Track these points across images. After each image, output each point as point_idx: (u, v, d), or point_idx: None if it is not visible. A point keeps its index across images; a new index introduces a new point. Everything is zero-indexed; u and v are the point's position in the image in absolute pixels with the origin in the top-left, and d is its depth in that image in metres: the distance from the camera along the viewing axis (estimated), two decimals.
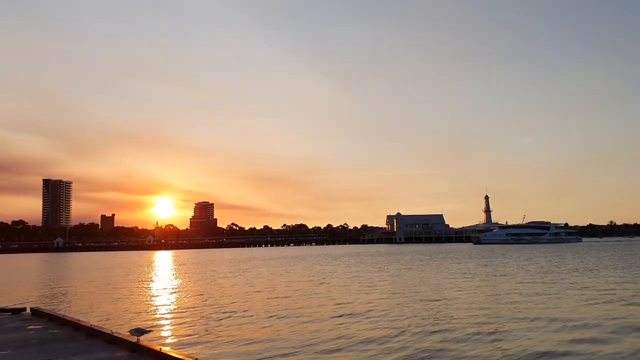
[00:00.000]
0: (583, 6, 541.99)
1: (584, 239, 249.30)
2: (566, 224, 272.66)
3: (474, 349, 18.25)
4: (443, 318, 24.73)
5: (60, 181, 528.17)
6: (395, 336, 20.73)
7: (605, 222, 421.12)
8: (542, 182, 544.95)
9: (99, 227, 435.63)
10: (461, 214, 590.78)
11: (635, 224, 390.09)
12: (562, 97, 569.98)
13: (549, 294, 33.35)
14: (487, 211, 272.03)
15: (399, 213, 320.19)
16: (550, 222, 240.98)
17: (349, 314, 26.76)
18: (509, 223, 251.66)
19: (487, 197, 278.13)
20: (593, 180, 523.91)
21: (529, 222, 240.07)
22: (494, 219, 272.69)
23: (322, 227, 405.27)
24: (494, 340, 19.49)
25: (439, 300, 31.78)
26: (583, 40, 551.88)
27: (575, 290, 35.32)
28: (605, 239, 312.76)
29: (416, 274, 55.12)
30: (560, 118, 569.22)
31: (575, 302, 29.68)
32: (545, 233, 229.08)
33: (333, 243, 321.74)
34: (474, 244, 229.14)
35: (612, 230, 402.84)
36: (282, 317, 26.46)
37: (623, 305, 27.89)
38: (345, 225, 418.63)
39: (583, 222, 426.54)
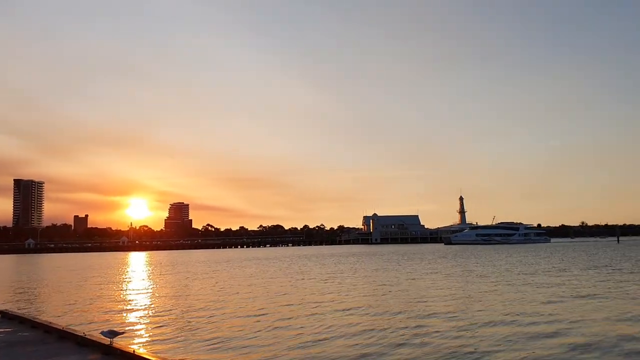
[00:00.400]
0: (560, 9, 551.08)
1: (554, 240, 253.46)
2: (539, 225, 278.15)
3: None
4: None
5: (32, 181, 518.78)
6: (365, 332, 20.89)
7: (577, 223, 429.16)
8: (516, 184, 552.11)
9: (72, 228, 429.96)
10: (437, 215, 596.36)
11: (606, 225, 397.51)
12: (537, 100, 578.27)
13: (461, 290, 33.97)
14: (462, 212, 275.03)
15: (375, 214, 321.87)
16: (520, 223, 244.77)
17: (320, 314, 26.82)
18: (484, 224, 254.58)
19: (461, 198, 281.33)
20: (566, 181, 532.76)
21: (498, 223, 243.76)
22: (468, 220, 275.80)
23: (299, 228, 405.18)
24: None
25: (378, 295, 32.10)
26: (558, 44, 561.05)
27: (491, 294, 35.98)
28: (576, 239, 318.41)
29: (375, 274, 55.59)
30: (534, 120, 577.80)
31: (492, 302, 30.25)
32: (515, 234, 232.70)
33: (309, 244, 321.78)
34: (445, 244, 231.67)
35: (584, 231, 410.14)
36: (256, 317, 26.38)
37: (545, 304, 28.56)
38: (322, 226, 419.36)
39: (555, 222, 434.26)
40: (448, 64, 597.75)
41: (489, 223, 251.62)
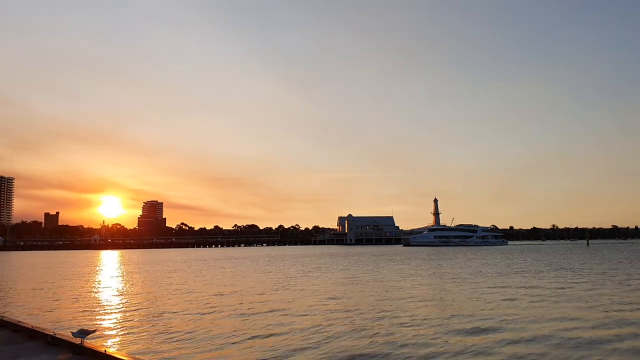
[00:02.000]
0: (530, 15, 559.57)
1: (525, 242, 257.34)
2: (494, 227, 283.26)
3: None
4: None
5: (1, 177, 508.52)
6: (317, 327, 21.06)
7: (548, 226, 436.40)
8: (489, 186, 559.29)
9: (42, 225, 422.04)
10: (411, 216, 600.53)
11: (577, 228, 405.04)
12: (508, 104, 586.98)
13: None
14: (436, 213, 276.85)
15: (350, 214, 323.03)
16: (477, 226, 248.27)
17: (285, 312, 26.89)
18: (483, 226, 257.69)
19: (436, 200, 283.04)
20: (538, 185, 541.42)
21: (457, 225, 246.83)
22: (442, 221, 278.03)
23: (274, 228, 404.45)
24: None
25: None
26: (530, 49, 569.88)
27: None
28: (547, 242, 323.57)
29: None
30: (507, 124, 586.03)
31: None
32: (472, 236, 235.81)
33: (284, 244, 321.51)
34: (404, 245, 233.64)
35: (555, 234, 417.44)
36: (226, 315, 26.42)
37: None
38: (297, 226, 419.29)
39: (527, 225, 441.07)
40: (420, 67, 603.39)
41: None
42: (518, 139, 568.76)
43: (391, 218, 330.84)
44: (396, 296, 35.28)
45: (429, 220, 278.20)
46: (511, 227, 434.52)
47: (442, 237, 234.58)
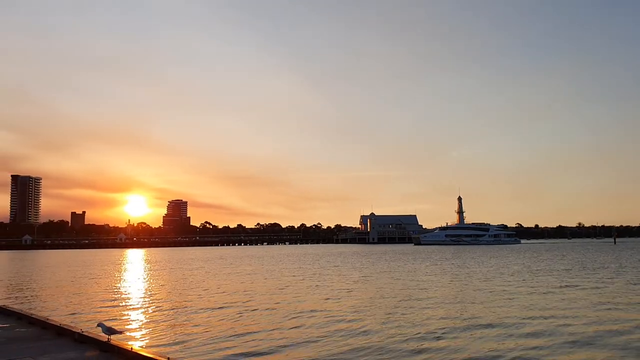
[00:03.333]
0: (545, 13, 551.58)
1: (551, 241, 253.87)
2: (504, 226, 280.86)
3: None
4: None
5: (29, 177, 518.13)
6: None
7: (574, 224, 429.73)
8: (514, 184, 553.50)
9: (69, 224, 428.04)
10: (435, 215, 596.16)
11: (603, 226, 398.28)
12: (534, 99, 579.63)
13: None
14: (460, 212, 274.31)
15: (372, 213, 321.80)
16: (489, 224, 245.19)
17: (310, 312, 26.86)
18: (495, 224, 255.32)
19: (460, 199, 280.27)
20: (564, 182, 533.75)
21: (469, 224, 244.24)
22: (467, 220, 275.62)
23: (296, 227, 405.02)
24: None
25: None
26: (552, 44, 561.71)
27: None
28: (573, 240, 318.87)
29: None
30: (532, 120, 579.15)
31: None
32: (485, 235, 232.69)
33: (306, 242, 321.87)
34: (415, 244, 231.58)
35: (581, 232, 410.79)
36: (252, 314, 26.49)
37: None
38: (319, 225, 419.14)
39: (553, 223, 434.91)
40: (442, 64, 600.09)
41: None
42: (544, 135, 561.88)
43: (414, 217, 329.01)
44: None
45: (453, 219, 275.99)
46: (536, 225, 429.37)
47: (453, 236, 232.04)
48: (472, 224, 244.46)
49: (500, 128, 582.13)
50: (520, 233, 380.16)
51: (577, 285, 39.89)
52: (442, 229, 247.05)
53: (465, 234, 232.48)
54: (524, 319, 24.52)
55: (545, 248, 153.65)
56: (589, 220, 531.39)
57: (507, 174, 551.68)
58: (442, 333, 21.32)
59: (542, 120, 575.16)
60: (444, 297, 33.78)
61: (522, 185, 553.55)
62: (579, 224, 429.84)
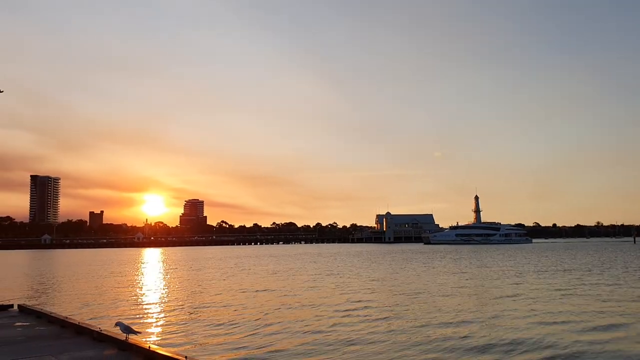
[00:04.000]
0: (565, 11, 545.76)
1: (569, 240, 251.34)
2: (515, 224, 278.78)
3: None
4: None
5: (48, 177, 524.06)
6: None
7: (592, 223, 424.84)
8: (532, 183, 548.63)
9: (87, 224, 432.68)
10: (452, 214, 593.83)
11: (622, 225, 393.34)
12: (551, 98, 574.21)
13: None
14: (477, 211, 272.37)
15: (388, 212, 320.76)
16: (500, 223, 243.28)
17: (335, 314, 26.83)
18: (506, 224, 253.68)
19: (477, 197, 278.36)
20: (583, 181, 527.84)
21: (480, 223, 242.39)
22: (483, 219, 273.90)
23: (311, 226, 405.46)
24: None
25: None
26: (571, 40, 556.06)
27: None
28: (592, 239, 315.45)
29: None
30: (550, 118, 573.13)
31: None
32: (495, 234, 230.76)
33: (322, 242, 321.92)
34: (425, 243, 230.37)
35: (600, 231, 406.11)
36: (270, 314, 26.46)
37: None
38: (335, 224, 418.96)
39: (571, 222, 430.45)
40: (458, 63, 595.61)
41: (503, 223, 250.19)
42: (562, 134, 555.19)
43: (431, 216, 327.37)
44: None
45: (470, 218, 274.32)
46: (554, 225, 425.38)
47: (463, 235, 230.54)
48: (483, 223, 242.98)
49: (518, 127, 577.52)
50: (537, 232, 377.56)
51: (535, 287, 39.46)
52: (452, 228, 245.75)
53: (475, 234, 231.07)
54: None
55: (555, 247, 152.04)
56: (608, 219, 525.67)
57: (524, 172, 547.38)
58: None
59: (560, 118, 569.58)
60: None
61: (540, 184, 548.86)
62: (598, 222, 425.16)
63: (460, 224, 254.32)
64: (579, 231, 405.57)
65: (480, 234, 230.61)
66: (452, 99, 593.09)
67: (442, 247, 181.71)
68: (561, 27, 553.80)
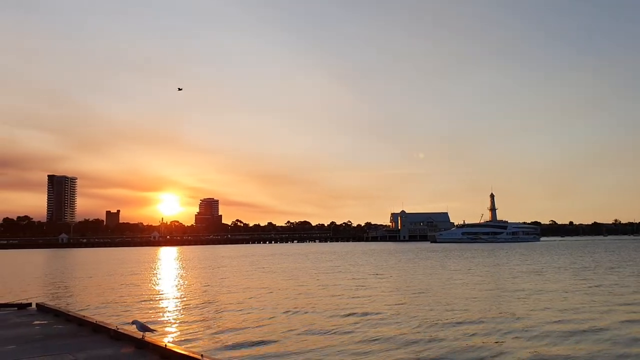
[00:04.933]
0: (583, 9, 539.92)
1: (587, 238, 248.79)
2: (531, 222, 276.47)
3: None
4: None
5: (65, 177, 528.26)
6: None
7: (610, 221, 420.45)
8: (548, 181, 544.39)
9: (104, 223, 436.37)
10: (467, 212, 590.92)
11: None
12: (568, 96, 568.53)
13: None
14: (493, 209, 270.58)
15: (403, 211, 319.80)
16: (507, 221, 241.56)
17: (353, 313, 26.81)
18: (514, 221, 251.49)
19: (492, 196, 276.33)
20: (600, 179, 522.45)
21: (486, 222, 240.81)
22: (499, 217, 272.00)
23: (326, 225, 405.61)
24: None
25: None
26: (590, 38, 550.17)
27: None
28: (609, 237, 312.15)
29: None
30: (565, 116, 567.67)
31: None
32: (502, 232, 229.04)
33: (336, 240, 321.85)
34: (431, 242, 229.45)
35: (617, 229, 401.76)
36: (285, 312, 26.51)
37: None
38: (349, 223, 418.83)
39: (588, 220, 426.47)
40: (475, 62, 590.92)
41: (520, 221, 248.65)
42: (579, 132, 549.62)
43: (446, 214, 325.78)
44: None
45: (485, 217, 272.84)
46: (571, 222, 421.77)
47: (470, 233, 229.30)
48: (490, 221, 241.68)
49: (534, 125, 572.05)
50: (553, 230, 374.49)
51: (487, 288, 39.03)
52: (459, 226, 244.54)
53: (482, 232, 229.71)
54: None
55: (561, 245, 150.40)
56: (626, 217, 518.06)
57: (541, 170, 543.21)
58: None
59: (577, 116, 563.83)
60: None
61: (557, 182, 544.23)
62: (616, 220, 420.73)
63: (472, 222, 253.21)
64: (596, 229, 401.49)
65: (487, 232, 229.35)
66: (467, 97, 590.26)
67: (447, 245, 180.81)
68: (579, 26, 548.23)
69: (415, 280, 45.55)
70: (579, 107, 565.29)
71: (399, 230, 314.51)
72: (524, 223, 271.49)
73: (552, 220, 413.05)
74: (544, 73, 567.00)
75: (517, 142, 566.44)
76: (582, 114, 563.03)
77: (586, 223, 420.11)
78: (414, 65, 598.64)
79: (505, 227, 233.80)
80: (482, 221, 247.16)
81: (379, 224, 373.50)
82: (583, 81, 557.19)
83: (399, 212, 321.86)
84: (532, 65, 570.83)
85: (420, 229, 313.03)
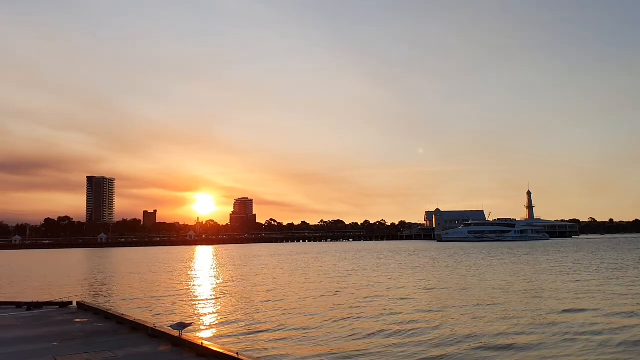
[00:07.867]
0: (620, 3, 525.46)
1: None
2: (569, 220, 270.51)
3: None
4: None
5: (103, 178, 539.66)
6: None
7: None
8: (587, 177, 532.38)
9: (141, 222, 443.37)
10: (503, 210, 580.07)
11: None
12: (606, 90, 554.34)
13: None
14: (530, 207, 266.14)
15: (437, 209, 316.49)
16: (515, 220, 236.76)
17: (392, 312, 26.69)
18: (553, 219, 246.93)
19: (529, 193, 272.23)
20: (639, 175, 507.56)
21: (494, 220, 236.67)
22: (536, 215, 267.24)
23: (359, 223, 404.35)
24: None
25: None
26: (626, 31, 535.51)
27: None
28: None
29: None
30: (603, 110, 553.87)
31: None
32: (510, 231, 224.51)
33: (370, 239, 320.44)
34: (437, 241, 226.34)
35: None
36: (322, 312, 26.44)
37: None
38: (383, 222, 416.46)
39: (629, 217, 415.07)
40: (509, 58, 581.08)
41: (557, 218, 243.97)
42: (619, 127, 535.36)
43: (482, 212, 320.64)
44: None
45: (522, 214, 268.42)
46: (611, 220, 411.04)
47: (476, 232, 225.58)
48: (497, 219, 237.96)
49: (573, 121, 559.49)
50: (592, 228, 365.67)
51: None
52: (465, 225, 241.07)
53: (489, 230, 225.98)
54: None
55: (569, 244, 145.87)
56: None
57: (579, 167, 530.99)
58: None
59: (616, 112, 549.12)
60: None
61: (597, 179, 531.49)
62: None
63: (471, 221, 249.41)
64: (638, 226, 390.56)
65: (494, 230, 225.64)
66: (502, 93, 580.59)
67: (453, 244, 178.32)
68: (617, 20, 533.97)
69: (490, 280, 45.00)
70: (618, 102, 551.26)
71: (434, 228, 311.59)
72: (562, 220, 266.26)
73: (591, 218, 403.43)
74: (582, 67, 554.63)
75: (554, 137, 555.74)
76: (622, 108, 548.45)
77: (627, 220, 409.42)
78: (447, 61, 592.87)
79: (513, 226, 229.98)
80: (490, 219, 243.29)
81: (413, 222, 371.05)
82: (622, 76, 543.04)
83: (433, 210, 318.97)
84: (570, 59, 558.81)
85: (455, 227, 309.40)
